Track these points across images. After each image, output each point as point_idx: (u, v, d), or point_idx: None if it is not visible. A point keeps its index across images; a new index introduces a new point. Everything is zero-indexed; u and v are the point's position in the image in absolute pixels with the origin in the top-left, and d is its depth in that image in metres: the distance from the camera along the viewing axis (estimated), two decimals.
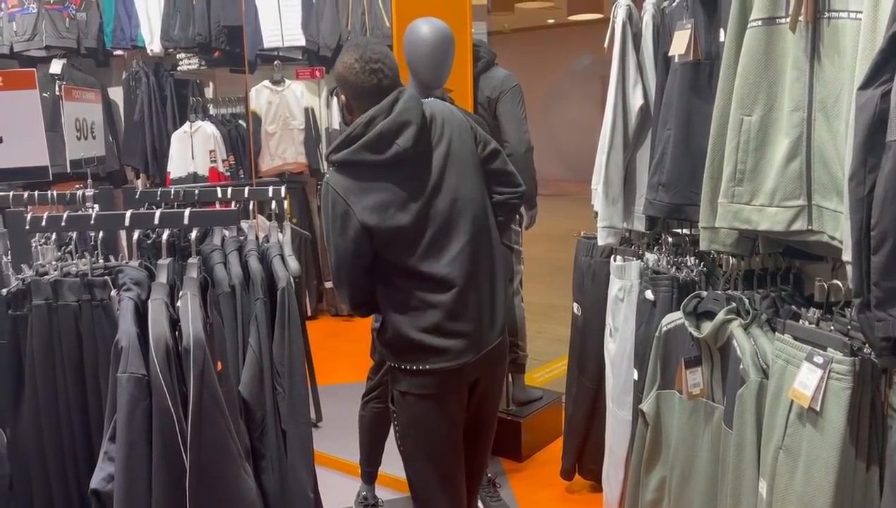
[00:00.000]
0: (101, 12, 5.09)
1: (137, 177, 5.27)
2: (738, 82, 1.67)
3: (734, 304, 1.85)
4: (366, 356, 2.80)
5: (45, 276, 1.30)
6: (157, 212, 1.38)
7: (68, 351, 1.31)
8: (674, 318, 2.05)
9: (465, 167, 1.95)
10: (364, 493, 2.89)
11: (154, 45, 4.99)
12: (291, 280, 1.84)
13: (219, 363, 1.54)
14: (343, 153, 1.83)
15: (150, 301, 1.32)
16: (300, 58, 5.43)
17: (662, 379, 2.08)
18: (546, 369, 4.76)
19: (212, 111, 5.32)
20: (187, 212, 1.38)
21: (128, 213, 1.38)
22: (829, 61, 1.55)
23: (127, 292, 1.34)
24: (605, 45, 2.49)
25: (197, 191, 2.04)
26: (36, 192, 1.78)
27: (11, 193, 1.71)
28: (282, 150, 5.41)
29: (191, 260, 1.40)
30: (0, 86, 1.58)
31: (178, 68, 5.08)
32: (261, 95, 5.31)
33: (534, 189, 3.34)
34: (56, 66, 4.95)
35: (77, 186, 2.45)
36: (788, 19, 1.58)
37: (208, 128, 5.00)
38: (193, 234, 1.42)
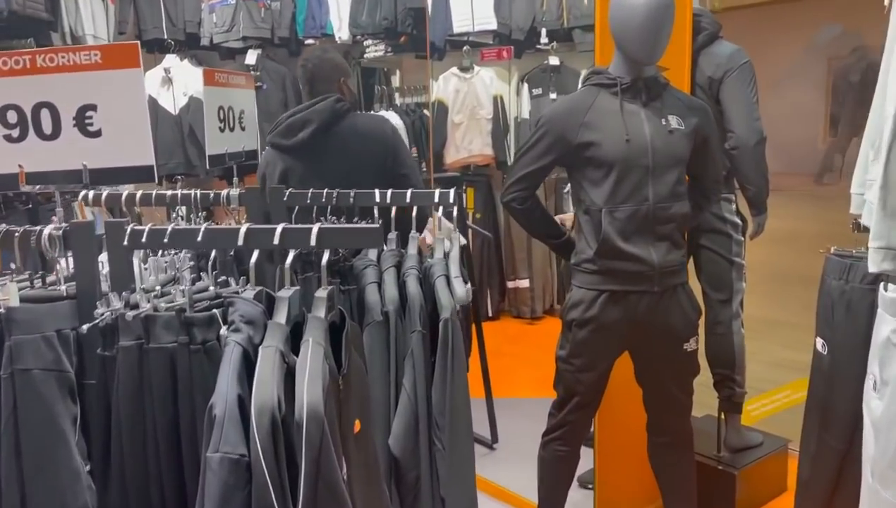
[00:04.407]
0: (294, 1, 5.06)
1: None
2: None
3: None
4: (550, 366, 2.34)
5: (135, 311, 1.01)
6: (279, 229, 1.04)
7: (161, 408, 1.01)
8: None
9: (361, 166, 2.29)
10: None
11: (342, 33, 4.88)
12: (457, 309, 1.46)
13: (356, 422, 1.19)
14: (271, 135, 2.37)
15: (261, 348, 0.99)
16: (491, 42, 5.09)
17: None
18: (761, 401, 4.03)
19: (397, 100, 5.12)
20: (315, 229, 1.03)
21: (242, 229, 1.05)
22: None
23: (235, 334, 1.01)
24: (886, 2, 1.88)
25: (353, 194, 1.72)
26: (167, 191, 1.54)
27: (139, 192, 1.46)
28: (468, 142, 5.11)
29: (319, 293, 1.05)
30: (99, 64, 1.33)
31: (365, 55, 4.93)
32: (448, 83, 5.04)
33: (766, 189, 2.72)
34: (251, 57, 4.98)
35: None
36: None
37: (393, 119, 4.80)
38: (325, 258, 1.07)
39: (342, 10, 4.85)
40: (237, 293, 1.10)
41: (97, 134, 1.37)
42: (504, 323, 5.42)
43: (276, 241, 1.04)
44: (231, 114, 2.23)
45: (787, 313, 4.68)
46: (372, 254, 1.58)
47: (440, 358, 1.44)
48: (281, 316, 1.04)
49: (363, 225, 1.12)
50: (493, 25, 4.99)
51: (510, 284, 5.44)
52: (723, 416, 2.90)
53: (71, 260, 1.12)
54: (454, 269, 1.50)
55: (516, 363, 4.55)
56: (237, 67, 4.92)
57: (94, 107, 1.35)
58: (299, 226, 1.06)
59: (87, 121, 1.35)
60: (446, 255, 1.58)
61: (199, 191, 1.63)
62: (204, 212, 1.67)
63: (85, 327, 1.02)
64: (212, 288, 1.11)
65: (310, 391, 0.94)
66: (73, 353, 1.11)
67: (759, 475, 2.88)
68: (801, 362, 4.24)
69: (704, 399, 2.98)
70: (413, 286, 1.47)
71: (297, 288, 1.08)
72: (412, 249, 1.58)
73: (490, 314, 5.30)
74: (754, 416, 3.70)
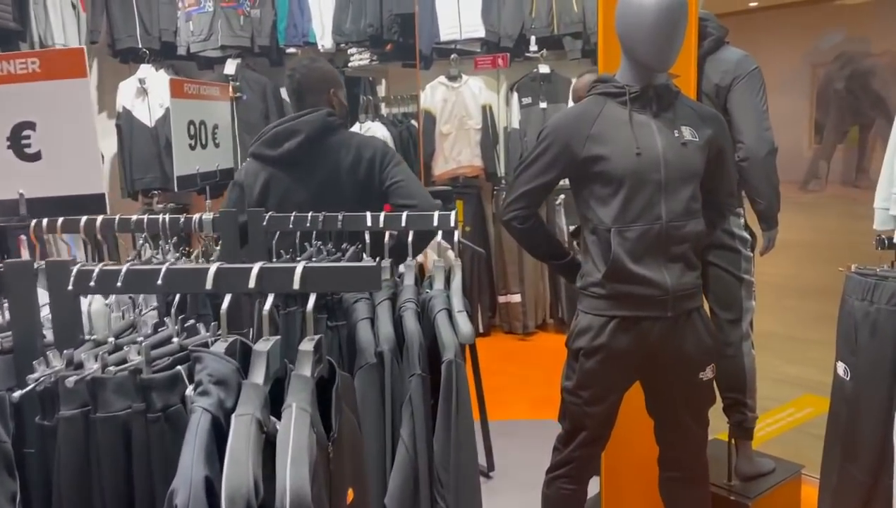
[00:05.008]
0: (275, 8, 4.88)
1: None
2: None
3: None
4: (549, 386, 2.17)
5: (78, 373, 0.83)
6: (255, 269, 0.87)
7: (112, 492, 0.83)
8: None
9: (344, 184, 2.19)
10: None
11: (325, 41, 4.71)
12: (460, 349, 1.29)
13: (349, 491, 1.02)
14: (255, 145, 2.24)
15: (234, 417, 0.81)
16: (478, 50, 4.95)
17: None
18: (766, 420, 3.89)
19: (383, 110, 4.95)
20: (299, 270, 0.85)
21: (211, 270, 0.88)
22: None
23: (203, 398, 0.84)
24: None
25: (341, 218, 1.54)
26: (133, 216, 1.35)
27: (99, 216, 1.27)
28: (456, 152, 4.96)
29: (304, 346, 0.87)
30: (37, 74, 1.13)
31: (349, 64, 4.75)
32: (436, 92, 4.89)
33: (777, 202, 2.56)
34: (230, 67, 4.79)
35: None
36: None
37: (379, 130, 4.64)
38: (311, 302, 0.89)
39: (325, 17, 4.69)
40: (206, 345, 0.92)
41: (36, 157, 1.16)
42: (495, 339, 5.26)
43: (251, 284, 0.87)
44: (203, 129, 2.05)
45: (785, 326, 4.54)
46: None
47: (443, 404, 1.27)
48: (258, 374, 0.86)
49: (361, 264, 0.95)
50: (481, 33, 4.85)
51: (501, 299, 5.29)
52: (733, 442, 2.74)
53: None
54: (457, 303, 1.33)
55: (510, 382, 4.38)
56: (216, 77, 4.74)
57: (31, 125, 1.14)
58: (280, 264, 0.88)
59: (23, 141, 1.15)
60: (447, 285, 1.41)
61: (168, 216, 1.45)
62: (175, 239, 1.49)
63: (17, 394, 0.84)
64: (175, 339, 0.93)
65: (294, 473, 0.76)
66: (9, 418, 0.93)
67: (773, 504, 2.72)
68: (803, 378, 4.10)
69: (712, 422, 2.83)
70: (411, 322, 1.30)
71: (278, 338, 0.90)
72: (408, 279, 1.41)
73: (481, 330, 5.14)
74: (760, 437, 3.55)
